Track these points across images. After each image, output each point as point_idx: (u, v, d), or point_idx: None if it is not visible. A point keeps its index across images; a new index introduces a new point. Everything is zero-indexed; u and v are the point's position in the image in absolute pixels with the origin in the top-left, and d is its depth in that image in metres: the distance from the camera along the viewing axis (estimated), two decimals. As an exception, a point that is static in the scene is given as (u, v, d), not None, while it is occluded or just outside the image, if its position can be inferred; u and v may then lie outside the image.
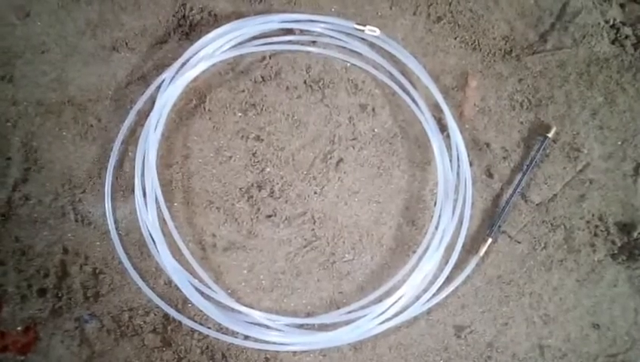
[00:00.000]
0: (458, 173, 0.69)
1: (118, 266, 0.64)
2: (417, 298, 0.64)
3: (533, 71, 0.75)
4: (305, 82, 0.72)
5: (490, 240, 0.67)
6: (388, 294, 0.64)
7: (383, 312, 0.62)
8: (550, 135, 0.71)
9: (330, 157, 0.70)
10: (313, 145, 0.70)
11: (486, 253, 0.67)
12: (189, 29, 0.73)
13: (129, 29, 0.73)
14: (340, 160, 0.70)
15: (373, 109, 0.72)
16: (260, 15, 0.73)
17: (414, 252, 0.66)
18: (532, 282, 0.67)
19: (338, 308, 0.64)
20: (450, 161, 0.69)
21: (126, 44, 0.72)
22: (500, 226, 0.68)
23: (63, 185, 0.67)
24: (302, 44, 0.72)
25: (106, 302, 0.64)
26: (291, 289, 0.65)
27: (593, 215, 0.70)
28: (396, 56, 0.73)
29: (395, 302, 0.63)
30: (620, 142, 0.73)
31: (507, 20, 0.78)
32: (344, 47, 0.73)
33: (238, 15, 0.74)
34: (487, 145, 0.72)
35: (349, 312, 0.63)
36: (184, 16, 0.74)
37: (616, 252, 0.69)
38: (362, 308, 0.63)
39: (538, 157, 0.71)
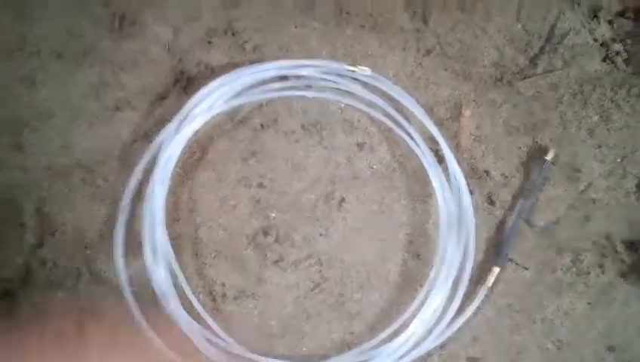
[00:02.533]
0: (459, 204, 0.70)
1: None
2: (429, 333, 0.65)
3: (526, 95, 0.76)
4: (302, 126, 0.74)
5: (497, 269, 0.67)
6: (398, 332, 0.64)
7: (395, 351, 0.63)
8: (548, 157, 0.72)
9: (332, 198, 0.71)
10: (315, 188, 0.71)
11: (494, 282, 0.67)
12: (187, 83, 0.76)
13: (130, 88, 0.75)
14: (342, 199, 0.71)
15: (371, 147, 0.73)
16: (254, 64, 0.75)
17: (422, 286, 0.67)
18: (543, 308, 0.67)
19: (350, 348, 0.65)
20: (451, 192, 0.70)
21: (128, 103, 0.75)
22: (506, 254, 0.69)
23: (77, 246, 0.69)
24: (297, 89, 0.74)
25: (123, 359, 0.65)
26: (302, 334, 0.66)
27: (599, 235, 0.70)
28: (389, 92, 0.74)
29: (407, 339, 0.63)
30: (619, 160, 0.73)
31: (496, 47, 0.79)
32: (338, 89, 0.75)
33: (234, 65, 0.76)
34: (487, 172, 0.73)
35: (361, 353, 0.63)
36: (181, 71, 0.76)
37: (626, 271, 0.69)
38: (374, 347, 0.64)
39: (538, 181, 0.71)
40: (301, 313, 0.66)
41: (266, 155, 0.72)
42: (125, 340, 0.63)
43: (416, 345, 0.64)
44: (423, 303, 0.65)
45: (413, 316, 0.65)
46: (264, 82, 0.75)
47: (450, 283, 0.65)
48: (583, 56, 0.78)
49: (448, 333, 0.64)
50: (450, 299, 0.66)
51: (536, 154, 0.73)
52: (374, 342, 0.64)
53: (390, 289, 0.68)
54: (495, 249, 0.69)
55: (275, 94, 0.74)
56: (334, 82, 0.74)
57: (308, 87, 0.75)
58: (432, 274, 0.66)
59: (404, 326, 0.64)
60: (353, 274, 0.68)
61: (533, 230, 0.71)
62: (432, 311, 0.64)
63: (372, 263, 0.68)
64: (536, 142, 0.74)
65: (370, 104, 0.74)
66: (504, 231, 0.70)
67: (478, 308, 0.67)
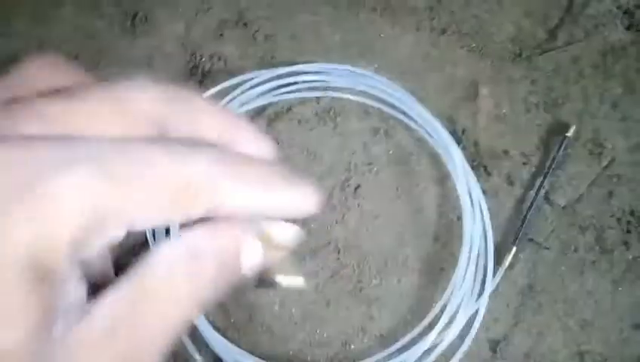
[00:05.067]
0: (476, 186, 0.69)
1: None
2: (452, 319, 0.64)
3: (546, 70, 0.74)
4: (316, 114, 0.74)
5: (514, 250, 0.66)
6: (430, 326, 0.63)
7: (431, 346, 0.62)
8: (569, 134, 0.70)
9: (348, 185, 0.71)
10: (330, 175, 0.72)
11: (513, 262, 0.67)
12: (201, 76, 0.77)
13: (146, 85, 0.77)
14: (358, 186, 0.71)
15: (386, 131, 0.73)
16: (273, 68, 0.73)
17: (442, 269, 0.67)
18: (565, 288, 0.67)
19: (370, 334, 0.66)
20: (469, 174, 0.69)
21: (145, 100, 0.76)
22: (526, 233, 0.68)
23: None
24: (315, 90, 0.73)
25: None
26: (323, 320, 0.67)
27: (624, 211, 0.69)
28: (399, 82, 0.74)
29: (443, 331, 0.62)
30: (645, 132, 0.71)
31: (513, 21, 0.77)
32: (354, 88, 0.74)
33: (245, 57, 0.76)
34: (506, 152, 0.72)
35: (399, 350, 0.63)
36: (195, 65, 0.77)
37: (652, 247, 0.67)
38: (409, 343, 0.63)
39: (558, 159, 0.69)
40: (320, 300, 0.68)
41: (281, 145, 0.73)
42: None
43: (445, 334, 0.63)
44: (452, 293, 0.64)
45: (444, 304, 0.64)
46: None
47: (473, 268, 0.64)
48: (605, 25, 0.75)
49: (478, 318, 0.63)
50: (469, 283, 0.65)
51: (557, 131, 0.72)
52: (408, 338, 0.63)
53: (408, 274, 0.68)
54: (514, 229, 0.69)
55: (296, 95, 0.73)
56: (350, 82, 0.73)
57: (326, 89, 0.73)
58: (452, 258, 0.66)
59: (435, 319, 0.63)
60: (371, 260, 0.68)
61: (554, 209, 0.69)
62: (460, 299, 0.64)
63: (389, 249, 0.69)
64: (557, 118, 0.72)
65: (382, 97, 0.72)
66: (522, 210, 0.69)
67: (498, 290, 0.66)
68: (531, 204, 0.68)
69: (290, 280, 0.24)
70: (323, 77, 0.73)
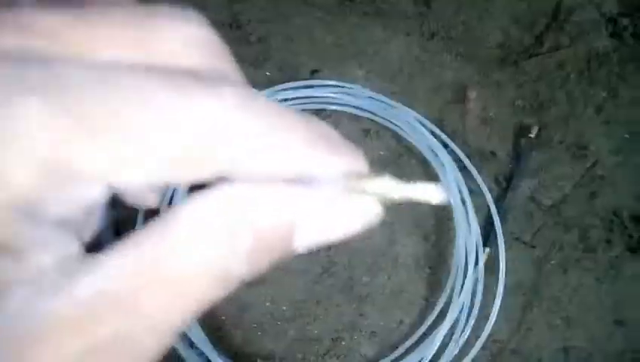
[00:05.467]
0: (464, 186, 0.70)
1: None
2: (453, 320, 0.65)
3: (532, 75, 0.76)
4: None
5: (487, 250, 0.67)
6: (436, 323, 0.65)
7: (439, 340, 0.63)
8: (532, 135, 0.71)
9: (340, 185, 0.72)
10: (322, 175, 0.73)
11: (487, 262, 0.67)
12: (195, 77, 0.78)
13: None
14: (349, 186, 0.72)
15: (377, 133, 0.75)
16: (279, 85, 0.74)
17: (431, 268, 0.68)
18: (550, 285, 0.68)
19: (360, 330, 0.67)
20: (456, 174, 0.71)
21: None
22: (512, 233, 0.69)
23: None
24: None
25: None
26: (313, 317, 0.68)
27: (607, 211, 0.71)
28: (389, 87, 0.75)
29: (451, 327, 0.64)
30: (627, 135, 0.73)
31: (501, 27, 0.79)
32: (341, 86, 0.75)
33: (238, 59, 0.77)
34: (493, 153, 0.73)
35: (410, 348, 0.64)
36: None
37: (633, 245, 0.69)
38: (418, 342, 0.64)
39: (524, 155, 0.71)
40: (312, 297, 0.69)
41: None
42: None
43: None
44: (452, 289, 0.65)
45: (448, 304, 0.64)
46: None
47: (471, 266, 0.65)
48: (590, 32, 0.78)
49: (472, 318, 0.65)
50: (454, 281, 0.67)
51: (542, 133, 0.73)
52: (416, 336, 0.64)
53: (398, 271, 0.69)
54: (501, 228, 0.70)
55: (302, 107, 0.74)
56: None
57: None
58: (443, 258, 0.68)
59: (437, 320, 0.64)
60: (361, 257, 0.70)
61: (540, 209, 0.71)
62: (466, 295, 0.64)
63: (380, 247, 0.70)
64: (542, 121, 0.74)
65: (372, 110, 0.74)
66: (508, 209, 0.71)
67: (486, 288, 0.67)
68: (498, 205, 0.69)
69: (422, 193, 0.18)
70: (314, 92, 0.74)
